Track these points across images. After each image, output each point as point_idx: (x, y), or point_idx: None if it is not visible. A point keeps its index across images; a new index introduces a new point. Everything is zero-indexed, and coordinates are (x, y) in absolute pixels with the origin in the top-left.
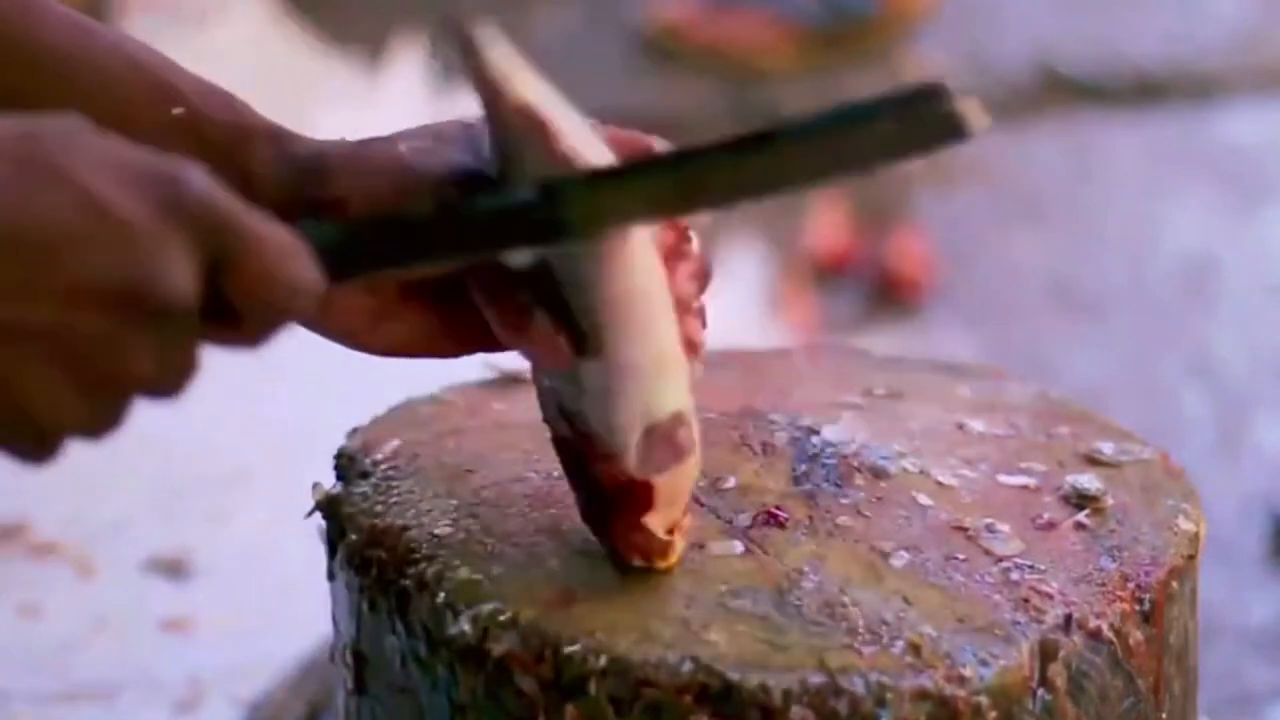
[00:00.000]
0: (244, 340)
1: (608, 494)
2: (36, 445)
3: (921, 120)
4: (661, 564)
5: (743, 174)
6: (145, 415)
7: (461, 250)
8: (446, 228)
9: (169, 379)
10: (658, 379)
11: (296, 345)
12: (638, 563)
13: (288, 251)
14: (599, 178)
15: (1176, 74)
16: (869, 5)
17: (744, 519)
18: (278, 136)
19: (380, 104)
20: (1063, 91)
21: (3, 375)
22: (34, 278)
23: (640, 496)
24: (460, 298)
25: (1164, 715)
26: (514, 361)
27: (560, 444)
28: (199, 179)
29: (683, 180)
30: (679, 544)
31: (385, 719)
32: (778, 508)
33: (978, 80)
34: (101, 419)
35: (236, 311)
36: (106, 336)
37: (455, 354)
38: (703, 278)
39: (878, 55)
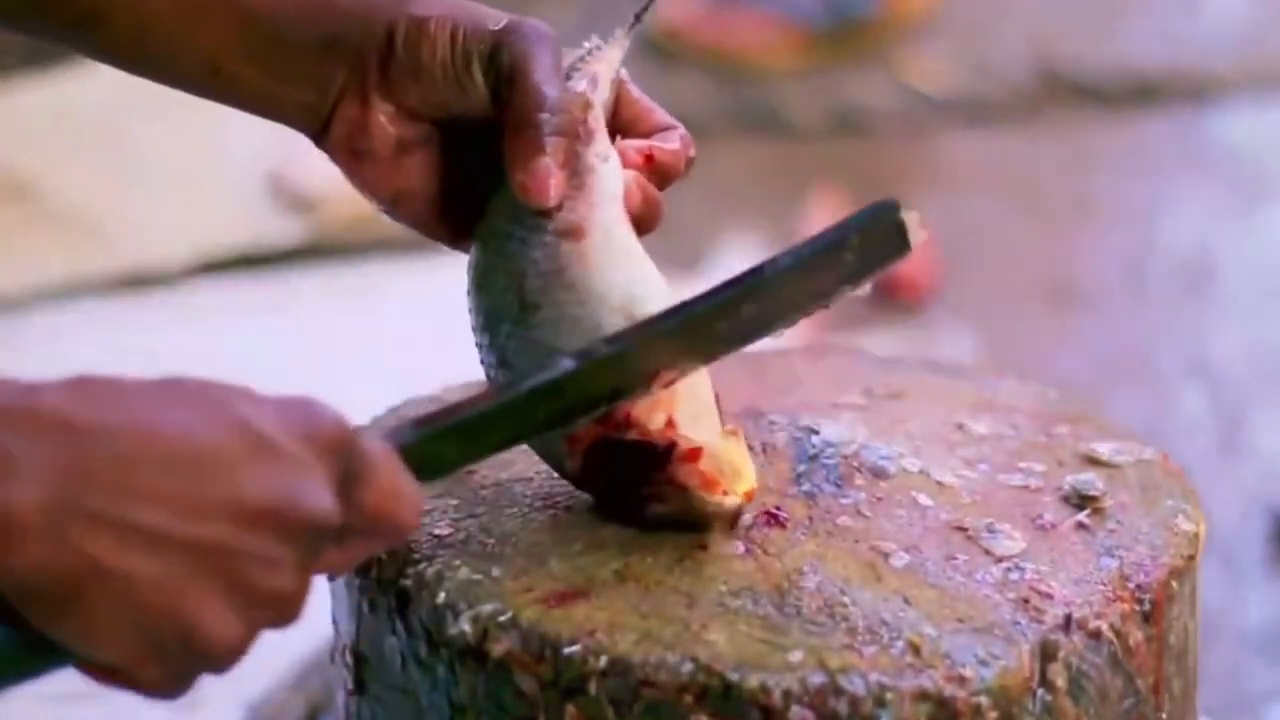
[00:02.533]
0: (351, 560)
1: (649, 451)
2: (180, 670)
3: (876, 237)
4: (739, 487)
5: (739, 320)
6: None
7: (524, 433)
8: (509, 418)
9: (299, 598)
10: (633, 264)
11: (297, 346)
12: (717, 498)
13: (399, 469)
14: (622, 344)
15: (1176, 74)
16: (869, 6)
17: (744, 519)
18: None
19: None
20: (1063, 92)
21: (177, 590)
22: (202, 495)
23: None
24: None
25: (1164, 715)
26: None
27: (593, 457)
28: (328, 409)
29: (690, 334)
30: (742, 452)
31: (385, 719)
32: (777, 508)
33: (978, 80)
34: (246, 640)
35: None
36: (265, 554)
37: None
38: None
39: (878, 56)
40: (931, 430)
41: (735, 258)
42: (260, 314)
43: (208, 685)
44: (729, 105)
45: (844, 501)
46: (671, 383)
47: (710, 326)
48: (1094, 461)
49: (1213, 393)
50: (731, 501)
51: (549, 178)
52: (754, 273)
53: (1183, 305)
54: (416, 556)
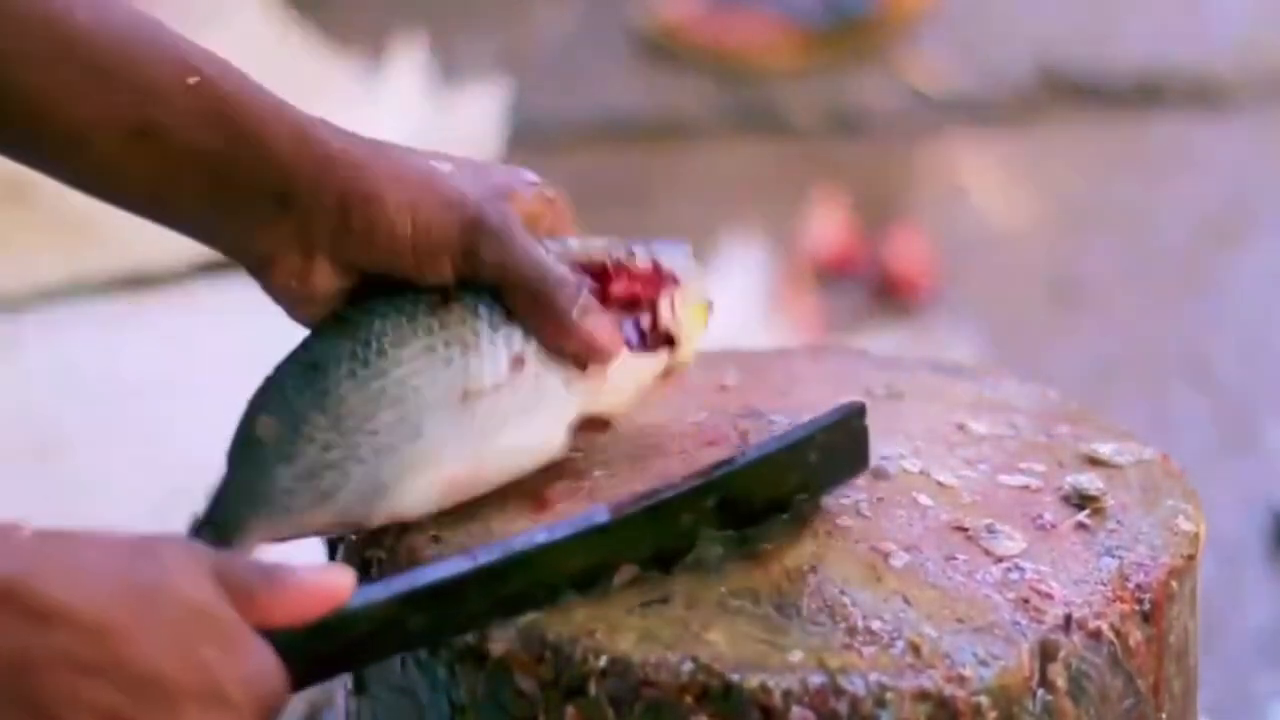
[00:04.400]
0: None
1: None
2: None
3: (840, 442)
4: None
5: (704, 512)
6: (144, 416)
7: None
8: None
9: None
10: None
11: (296, 341)
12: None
13: None
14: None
15: (1177, 74)
16: (869, 5)
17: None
18: (297, 121)
19: (380, 104)
20: (1063, 92)
21: None
22: (132, 712)
23: None
24: None
25: (1164, 715)
26: None
27: None
28: (274, 663)
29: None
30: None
31: (385, 719)
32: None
33: (978, 80)
34: None
35: None
36: None
37: None
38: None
39: (878, 55)
40: (932, 430)
41: (735, 260)
42: (260, 314)
43: None
44: (729, 105)
45: (844, 501)
46: (623, 583)
47: (676, 517)
48: (1094, 461)
49: (1213, 393)
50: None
51: (604, 334)
52: (718, 469)
53: (1183, 305)
54: (417, 556)
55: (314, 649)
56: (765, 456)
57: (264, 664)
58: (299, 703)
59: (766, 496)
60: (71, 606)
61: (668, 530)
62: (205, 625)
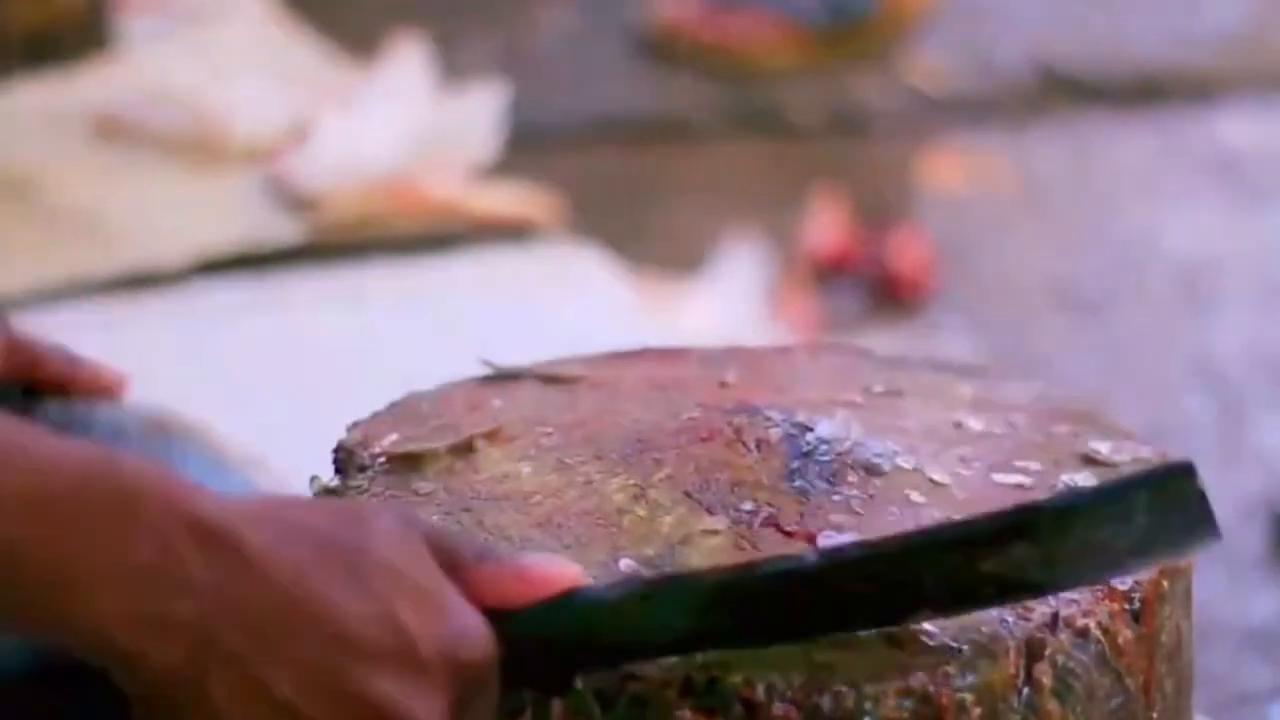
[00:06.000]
0: None
1: None
2: None
3: (1168, 503)
4: None
5: (1008, 560)
6: None
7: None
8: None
9: None
10: None
11: (296, 346)
12: None
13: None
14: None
15: (1177, 74)
16: (870, 5)
17: (735, 514)
18: None
19: (380, 104)
20: (1063, 91)
21: None
22: (332, 679)
23: None
24: None
25: (1155, 715)
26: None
27: None
28: (480, 628)
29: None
30: None
31: None
32: (779, 518)
33: (978, 80)
34: None
35: None
36: None
37: None
38: None
39: (878, 55)
40: (928, 428)
41: (735, 259)
42: (259, 314)
43: None
44: (729, 105)
45: (836, 499)
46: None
47: (972, 559)
48: (1091, 461)
49: (1213, 393)
50: None
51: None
52: (1026, 510)
53: (1184, 305)
54: None
55: (542, 640)
56: (1082, 501)
57: (465, 630)
58: None
59: (1081, 552)
60: (272, 559)
61: (964, 573)
62: (406, 586)
